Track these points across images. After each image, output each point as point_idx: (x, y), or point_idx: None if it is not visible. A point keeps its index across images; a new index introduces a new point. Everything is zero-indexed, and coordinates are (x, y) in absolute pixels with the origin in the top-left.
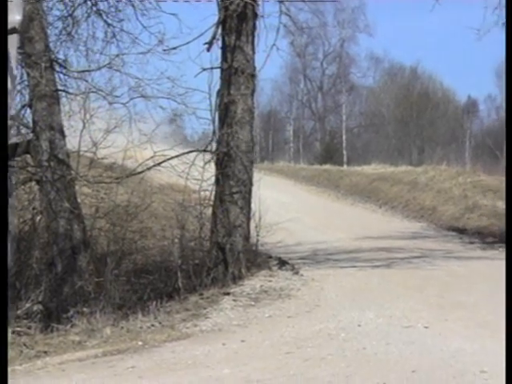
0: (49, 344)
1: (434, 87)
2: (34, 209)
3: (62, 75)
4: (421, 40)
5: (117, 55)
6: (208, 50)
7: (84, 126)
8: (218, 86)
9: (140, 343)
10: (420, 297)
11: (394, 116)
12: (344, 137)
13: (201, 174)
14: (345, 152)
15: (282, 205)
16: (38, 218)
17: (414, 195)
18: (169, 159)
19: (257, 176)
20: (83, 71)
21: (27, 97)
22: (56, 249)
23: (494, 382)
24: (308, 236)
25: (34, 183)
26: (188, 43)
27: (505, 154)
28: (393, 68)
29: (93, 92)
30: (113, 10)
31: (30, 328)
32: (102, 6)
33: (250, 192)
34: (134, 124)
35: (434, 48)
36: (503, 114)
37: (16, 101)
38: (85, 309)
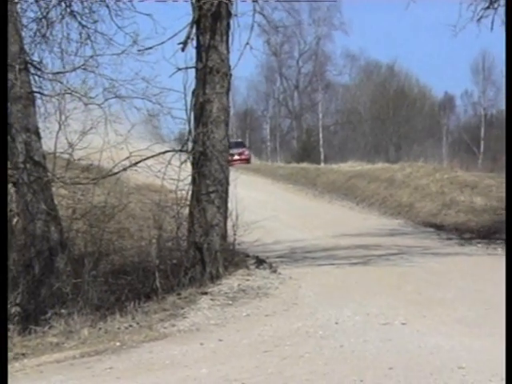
0: (27, 346)
1: (411, 84)
2: (10, 211)
3: (36, 77)
4: (397, 37)
5: (91, 56)
6: (183, 49)
7: (60, 128)
8: (193, 86)
9: (118, 344)
10: (397, 294)
11: (371, 113)
12: (321, 135)
13: (177, 174)
14: (322, 150)
15: (260, 203)
16: (15, 220)
17: (390, 192)
18: (145, 159)
19: (233, 175)
20: (58, 73)
21: None
22: (33, 250)
23: (471, 378)
24: (285, 234)
25: (10, 185)
26: (162, 43)
27: (505, 154)
28: (369, 65)
29: (68, 93)
30: (87, 11)
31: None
32: (76, 7)
33: (226, 191)
34: (110, 125)
35: (411, 45)
36: (480, 109)
37: None
38: (63, 310)
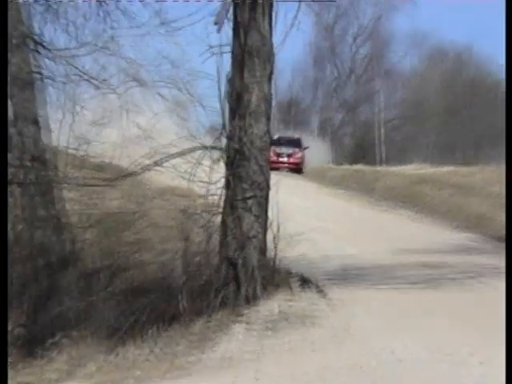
0: (32, 374)
1: (490, 70)
2: (15, 216)
3: (47, 60)
4: (473, 19)
5: (111, 37)
6: (218, 30)
7: (73, 119)
8: (228, 71)
9: (138, 373)
10: (474, 327)
11: (441, 105)
12: (380, 131)
13: (208, 176)
14: (381, 149)
15: (305, 212)
16: (20, 227)
17: (458, 200)
18: (170, 157)
19: (274, 178)
20: (72, 56)
21: None
22: (40, 262)
23: None
24: (335, 249)
25: (14, 186)
26: (194, 23)
27: (505, 153)
28: (440, 49)
29: (83, 79)
30: None
31: (10, 355)
32: None
33: (266, 197)
34: (129, 116)
35: (490, 27)
36: None
37: None
38: (74, 333)
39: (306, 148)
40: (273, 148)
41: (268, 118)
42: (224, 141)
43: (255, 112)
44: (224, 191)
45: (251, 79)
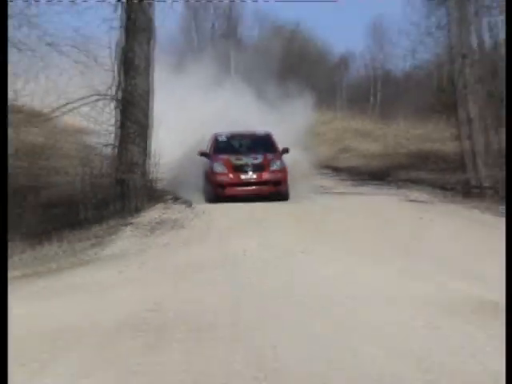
0: None
1: (313, 44)
2: None
3: None
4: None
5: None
6: (114, 10)
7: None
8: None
9: (53, 266)
10: (298, 228)
11: (280, 69)
12: None
13: (105, 118)
14: None
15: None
16: None
17: None
18: (75, 103)
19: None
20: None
21: None
22: None
23: (358, 305)
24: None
25: None
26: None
27: (505, 152)
28: (275, 26)
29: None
30: None
31: None
32: None
33: (148, 134)
34: (48, 74)
35: (314, 9)
36: (374, 67)
37: None
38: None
39: (285, 151)
40: (224, 158)
41: (149, 76)
42: (118, 92)
43: (140, 70)
44: (117, 130)
45: (137, 47)
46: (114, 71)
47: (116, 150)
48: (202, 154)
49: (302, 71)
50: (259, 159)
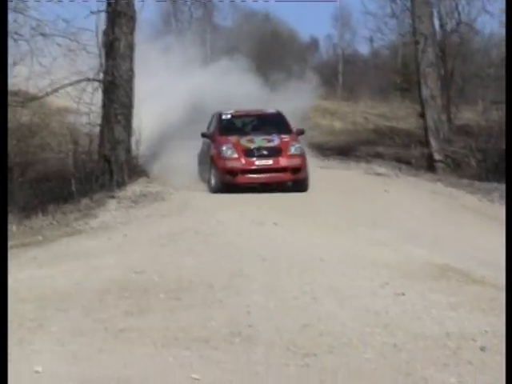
0: None
1: (284, 27)
2: None
3: None
4: None
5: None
6: None
7: None
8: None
9: (40, 238)
10: (270, 201)
11: (255, 51)
12: None
13: (91, 99)
14: None
15: None
16: None
17: None
18: (64, 86)
19: None
20: None
21: None
22: None
23: (329, 267)
24: None
25: None
26: None
27: (505, 152)
28: (248, 13)
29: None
30: None
31: None
32: None
33: (131, 113)
34: (36, 58)
35: None
36: (338, 50)
37: None
38: None
39: (300, 133)
40: (233, 141)
41: (132, 60)
42: (102, 75)
43: (123, 55)
44: (102, 110)
45: (120, 32)
46: (99, 56)
47: (101, 128)
48: (204, 135)
49: (274, 52)
50: (275, 141)
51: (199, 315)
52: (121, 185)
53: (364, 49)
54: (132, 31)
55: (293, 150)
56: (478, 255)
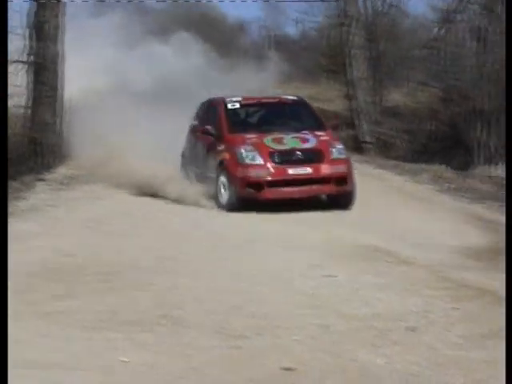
0: None
1: (212, 10)
2: None
3: None
4: None
5: None
6: None
7: None
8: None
9: None
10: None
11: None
12: None
13: (17, 81)
14: None
15: None
16: None
17: None
18: None
19: None
20: None
21: None
22: None
23: (260, 248)
24: None
25: None
26: None
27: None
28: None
29: None
30: None
31: None
32: None
33: (59, 95)
34: None
35: None
36: (268, 32)
37: None
38: None
39: (335, 126)
40: (253, 140)
41: (61, 42)
42: (27, 56)
43: (52, 36)
44: (30, 92)
45: (49, 14)
46: (25, 37)
47: (29, 110)
48: (205, 132)
49: (203, 32)
50: (311, 141)
51: (129, 297)
52: (50, 168)
53: (293, 31)
54: (61, 13)
55: (336, 154)
56: (406, 236)
